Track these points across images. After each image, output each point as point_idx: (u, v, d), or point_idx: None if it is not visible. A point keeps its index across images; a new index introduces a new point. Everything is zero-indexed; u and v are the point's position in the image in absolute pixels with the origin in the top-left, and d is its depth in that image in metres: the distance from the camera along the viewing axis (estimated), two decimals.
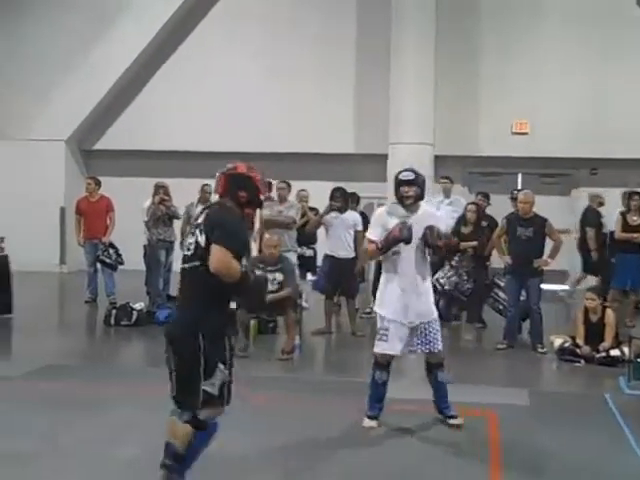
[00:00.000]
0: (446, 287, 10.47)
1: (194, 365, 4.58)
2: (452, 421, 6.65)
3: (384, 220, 6.44)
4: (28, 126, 16.99)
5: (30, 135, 16.87)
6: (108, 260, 12.55)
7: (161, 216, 12.16)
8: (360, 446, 6.11)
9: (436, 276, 10.71)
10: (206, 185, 12.33)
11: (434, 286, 10.67)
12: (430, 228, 6.31)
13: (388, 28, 15.70)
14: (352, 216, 10.79)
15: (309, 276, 12.32)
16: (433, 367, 6.67)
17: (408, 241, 6.23)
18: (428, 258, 6.51)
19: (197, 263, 4.65)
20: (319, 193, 13.52)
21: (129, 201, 13.41)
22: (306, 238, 11.96)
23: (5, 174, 16.82)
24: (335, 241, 10.55)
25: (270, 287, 9.07)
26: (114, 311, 11.17)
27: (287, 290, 9.15)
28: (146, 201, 12.39)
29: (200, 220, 4.76)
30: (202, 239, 4.63)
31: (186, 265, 4.73)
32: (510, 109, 15.98)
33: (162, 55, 17.34)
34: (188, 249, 4.73)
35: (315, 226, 11.12)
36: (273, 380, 8.25)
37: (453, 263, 10.49)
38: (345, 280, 10.62)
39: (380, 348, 6.47)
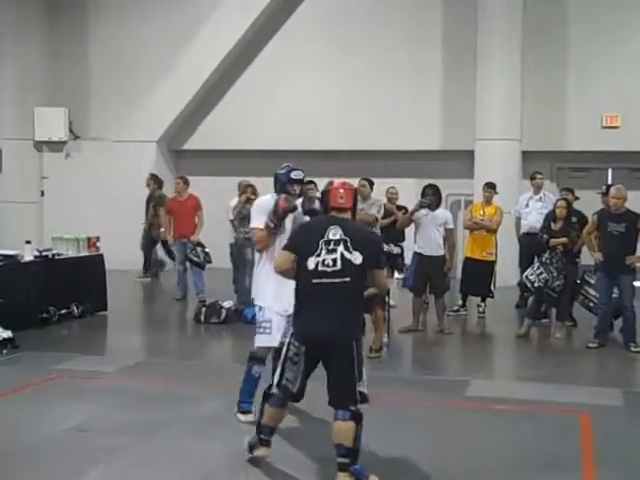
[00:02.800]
0: (536, 284, 10.33)
1: (353, 367, 5.14)
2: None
3: (267, 209, 6.34)
4: (120, 128, 17.38)
5: (122, 136, 17.25)
6: (196, 259, 12.73)
7: (247, 215, 12.27)
8: (447, 440, 6.09)
9: (525, 273, 10.60)
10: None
11: (524, 284, 10.67)
12: (307, 198, 6.42)
13: (474, 23, 15.56)
14: (443, 214, 10.77)
15: (396, 274, 12.29)
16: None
17: (295, 208, 6.27)
18: None
19: (348, 279, 5.11)
20: (405, 190, 13.52)
21: (216, 200, 13.61)
22: (393, 236, 11.95)
23: (98, 174, 17.26)
24: (425, 239, 10.54)
25: None
26: (204, 309, 11.35)
27: (374, 288, 9.11)
28: (232, 200, 12.55)
29: (339, 236, 5.18)
30: (355, 257, 5.12)
31: (335, 280, 5.11)
32: (600, 103, 15.61)
33: (248, 56, 17.51)
34: (329, 264, 5.12)
35: (406, 223, 11.11)
36: None
37: (543, 260, 10.34)
38: (434, 278, 10.60)
39: (263, 341, 6.30)
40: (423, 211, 10.52)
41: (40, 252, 11.16)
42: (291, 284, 5.65)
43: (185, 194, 13.44)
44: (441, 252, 10.58)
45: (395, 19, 16.70)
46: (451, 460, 5.75)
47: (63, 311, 11.04)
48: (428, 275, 10.57)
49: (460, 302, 12.08)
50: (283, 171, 6.49)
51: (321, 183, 11.76)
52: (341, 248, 5.13)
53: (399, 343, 10.07)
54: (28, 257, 10.87)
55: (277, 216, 6.25)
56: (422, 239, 10.59)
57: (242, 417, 6.54)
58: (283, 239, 6.01)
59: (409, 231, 11.58)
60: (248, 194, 12.23)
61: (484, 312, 11.92)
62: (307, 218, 6.23)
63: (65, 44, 18.11)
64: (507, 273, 13.00)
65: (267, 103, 17.22)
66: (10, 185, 17.24)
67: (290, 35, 17.26)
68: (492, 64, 15.42)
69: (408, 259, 11.93)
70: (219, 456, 5.75)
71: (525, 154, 15.82)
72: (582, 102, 15.75)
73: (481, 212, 11.94)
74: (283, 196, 6.29)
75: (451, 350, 10.21)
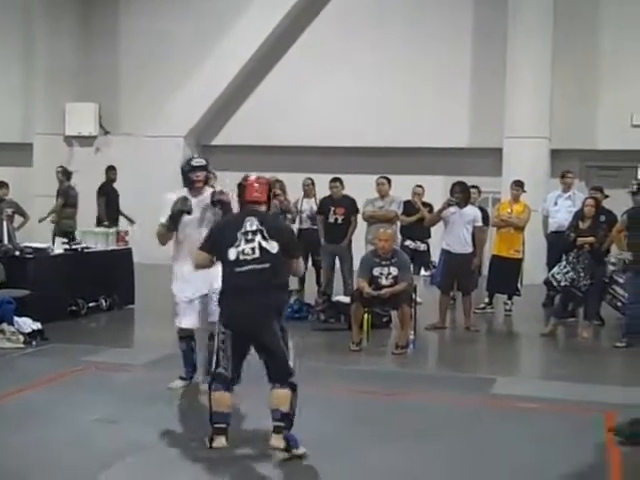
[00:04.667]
0: (562, 283, 10.27)
1: (280, 346, 5.50)
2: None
3: (166, 205, 6.89)
4: (149, 123, 17.49)
5: (151, 131, 17.36)
6: None
7: (274, 211, 12.29)
8: (471, 438, 6.08)
9: (552, 271, 10.55)
10: (308, 179, 12.47)
11: (550, 282, 10.61)
12: (215, 191, 6.85)
13: (504, 20, 15.52)
14: (472, 211, 10.73)
15: (422, 271, 12.28)
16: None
17: (189, 211, 6.75)
18: None
19: (267, 265, 5.50)
20: (432, 188, 13.50)
21: None
22: (420, 233, 11.97)
23: (126, 170, 17.31)
24: (453, 236, 10.52)
25: (385, 282, 9.19)
26: None
27: (402, 284, 9.14)
28: None
29: (256, 227, 5.54)
30: (272, 245, 5.51)
31: (256, 266, 5.50)
32: (630, 101, 15.50)
33: (277, 52, 17.55)
34: (249, 253, 5.49)
35: (435, 221, 11.10)
36: (386, 374, 8.30)
37: (570, 259, 10.28)
38: (462, 276, 10.58)
39: (176, 323, 7.23)
40: (452, 209, 10.50)
41: (70, 245, 11.27)
42: (198, 273, 6.45)
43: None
44: (469, 250, 10.56)
45: (424, 16, 16.67)
46: (473, 458, 5.75)
47: (92, 304, 11.15)
48: (456, 273, 10.55)
49: (487, 300, 12.05)
50: (184, 161, 7.04)
51: (347, 179, 11.96)
52: (258, 237, 5.52)
53: (425, 340, 10.06)
54: (58, 250, 10.99)
55: (171, 217, 6.81)
56: (450, 236, 10.57)
57: (174, 383, 7.31)
58: (184, 233, 6.85)
59: (435, 228, 11.58)
60: (275, 189, 12.25)
61: (511, 310, 11.88)
62: (216, 209, 6.77)
63: (96, 40, 18.26)
64: (534, 271, 12.93)
65: (295, 100, 17.25)
66: (40, 179, 17.34)
67: (320, 31, 17.27)
68: (521, 62, 15.37)
69: (434, 256, 11.94)
70: (244, 450, 5.74)
71: (554, 152, 15.74)
72: (612, 100, 15.63)
73: (509, 210, 11.89)
74: (179, 198, 6.78)
75: (477, 348, 10.18)
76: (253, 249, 5.50)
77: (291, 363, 5.55)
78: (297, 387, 5.51)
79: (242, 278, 5.51)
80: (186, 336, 7.29)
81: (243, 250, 5.51)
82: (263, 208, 5.73)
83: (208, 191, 6.99)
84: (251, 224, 5.56)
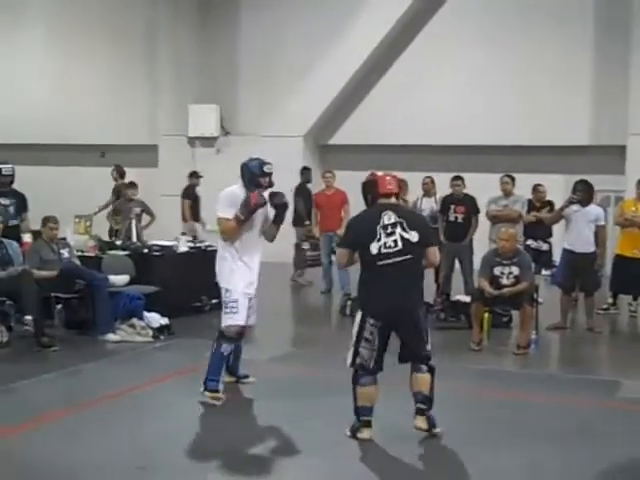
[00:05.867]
0: None
1: (422, 331, 5.82)
2: (246, 380, 7.48)
3: (235, 201, 6.80)
4: (268, 123, 17.76)
5: (270, 131, 17.62)
6: None
7: None
8: (603, 445, 5.98)
9: None
10: (427, 177, 12.48)
11: None
12: (274, 192, 6.95)
13: (628, 13, 15.10)
14: (595, 210, 10.53)
15: (543, 271, 12.11)
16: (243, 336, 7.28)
17: (265, 203, 6.83)
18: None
19: (410, 256, 5.72)
20: (553, 186, 13.27)
21: (358, 195, 13.72)
22: (542, 232, 11.81)
23: None
24: (575, 235, 10.34)
25: (505, 281, 9.13)
26: (349, 302, 11.49)
27: (523, 284, 9.07)
28: None
29: (394, 220, 5.72)
30: (412, 235, 5.71)
31: (399, 259, 5.70)
32: None
33: (394, 52, 17.56)
34: (391, 246, 5.68)
35: (556, 219, 10.94)
36: (509, 375, 8.24)
37: None
38: (584, 275, 10.38)
39: (231, 320, 6.90)
40: (574, 207, 10.33)
41: (194, 243, 11.61)
42: (252, 268, 6.93)
43: (332, 188, 13.65)
44: (592, 249, 10.35)
45: (542, 10, 16.36)
46: (606, 464, 5.65)
47: (214, 301, 11.41)
48: (578, 272, 10.35)
49: (610, 300, 11.77)
50: (254, 163, 6.96)
51: (470, 178, 11.94)
52: (399, 230, 5.72)
53: (547, 340, 9.91)
54: (183, 248, 11.34)
55: (248, 210, 6.74)
56: (572, 235, 10.39)
57: (209, 395, 6.90)
58: (250, 227, 6.84)
59: (557, 227, 11.41)
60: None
61: (636, 311, 11.56)
62: (273, 211, 6.95)
63: (215, 43, 18.62)
64: None
65: (412, 99, 17.18)
66: (166, 179, 17.92)
67: (435, 32, 17.16)
68: None
69: (555, 255, 11.75)
70: (363, 446, 5.82)
71: None
72: None
73: (633, 208, 11.57)
74: (255, 192, 6.77)
75: (600, 349, 10.00)
76: (395, 242, 5.71)
77: (429, 346, 5.85)
78: (435, 370, 5.86)
79: (387, 270, 5.71)
80: (236, 336, 7.03)
81: (385, 243, 5.70)
82: (394, 200, 5.95)
83: (265, 194, 6.99)
84: (389, 217, 5.76)
